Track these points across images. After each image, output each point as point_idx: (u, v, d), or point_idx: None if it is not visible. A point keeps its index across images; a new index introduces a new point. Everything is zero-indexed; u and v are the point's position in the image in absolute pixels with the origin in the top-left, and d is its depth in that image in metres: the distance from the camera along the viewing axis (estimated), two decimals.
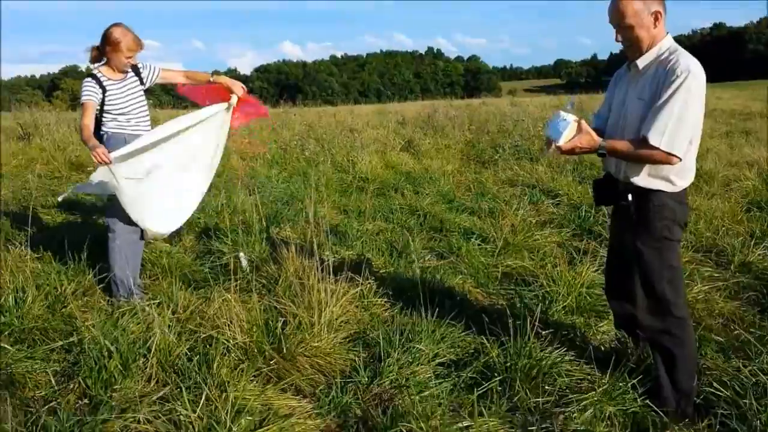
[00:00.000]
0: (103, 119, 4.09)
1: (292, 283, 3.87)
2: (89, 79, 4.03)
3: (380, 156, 9.61)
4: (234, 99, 4.34)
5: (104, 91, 4.02)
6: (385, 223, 6.11)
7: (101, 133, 4.06)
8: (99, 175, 3.81)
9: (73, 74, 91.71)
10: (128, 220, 4.05)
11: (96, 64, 4.11)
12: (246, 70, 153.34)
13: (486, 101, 24.85)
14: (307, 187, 7.10)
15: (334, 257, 4.73)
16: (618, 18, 2.58)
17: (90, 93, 3.97)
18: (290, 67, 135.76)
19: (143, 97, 4.27)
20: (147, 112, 4.28)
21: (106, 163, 3.68)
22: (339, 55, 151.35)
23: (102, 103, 4.03)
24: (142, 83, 4.25)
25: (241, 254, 4.71)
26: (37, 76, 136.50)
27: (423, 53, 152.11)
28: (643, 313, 2.83)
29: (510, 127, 11.94)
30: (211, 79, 4.38)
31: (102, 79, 4.03)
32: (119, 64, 4.03)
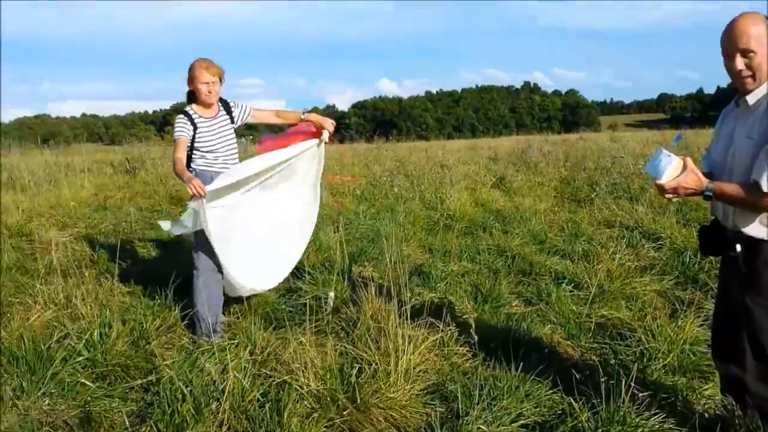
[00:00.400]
0: (193, 156, 4.20)
1: (370, 327, 3.75)
2: (181, 116, 4.16)
3: (470, 193, 9.42)
4: (325, 135, 4.36)
5: (195, 128, 4.12)
6: (471, 264, 5.90)
7: (189, 170, 4.15)
8: (194, 205, 3.88)
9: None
10: (212, 258, 4.09)
11: (191, 105, 4.24)
12: (344, 106, 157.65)
13: (584, 136, 24.21)
14: (393, 224, 7.02)
15: (416, 299, 4.58)
16: (741, 43, 2.33)
17: (182, 129, 4.09)
18: (386, 103, 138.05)
19: (233, 136, 4.35)
20: (236, 151, 4.36)
21: (201, 196, 3.75)
22: (434, 90, 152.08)
23: (192, 140, 4.13)
24: (232, 122, 4.34)
25: (331, 294, 4.62)
26: (150, 111, 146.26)
27: (519, 88, 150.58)
28: (752, 379, 2.53)
29: (608, 164, 11.42)
30: (303, 117, 4.42)
31: (194, 116, 4.15)
32: (202, 95, 4.12)
